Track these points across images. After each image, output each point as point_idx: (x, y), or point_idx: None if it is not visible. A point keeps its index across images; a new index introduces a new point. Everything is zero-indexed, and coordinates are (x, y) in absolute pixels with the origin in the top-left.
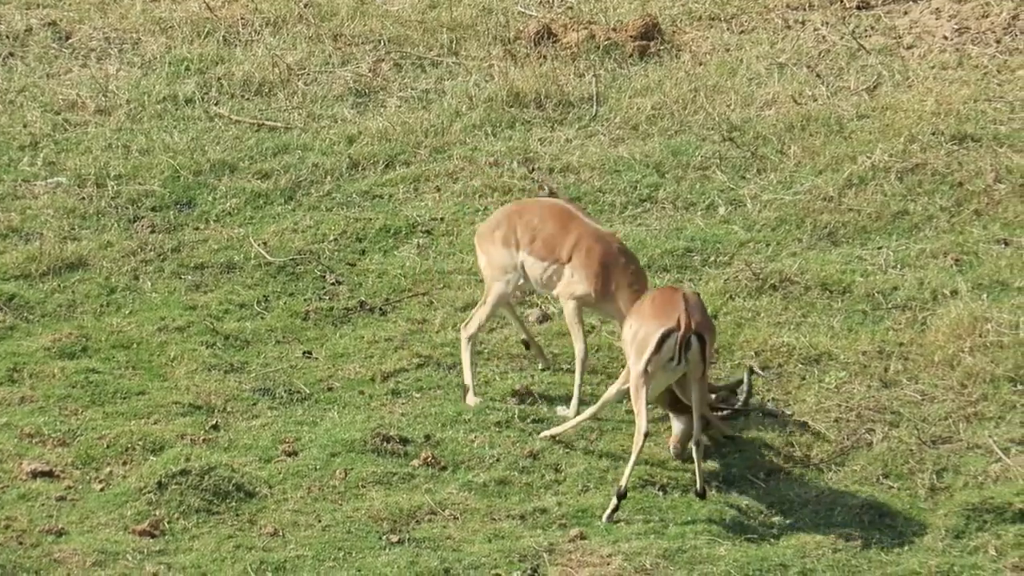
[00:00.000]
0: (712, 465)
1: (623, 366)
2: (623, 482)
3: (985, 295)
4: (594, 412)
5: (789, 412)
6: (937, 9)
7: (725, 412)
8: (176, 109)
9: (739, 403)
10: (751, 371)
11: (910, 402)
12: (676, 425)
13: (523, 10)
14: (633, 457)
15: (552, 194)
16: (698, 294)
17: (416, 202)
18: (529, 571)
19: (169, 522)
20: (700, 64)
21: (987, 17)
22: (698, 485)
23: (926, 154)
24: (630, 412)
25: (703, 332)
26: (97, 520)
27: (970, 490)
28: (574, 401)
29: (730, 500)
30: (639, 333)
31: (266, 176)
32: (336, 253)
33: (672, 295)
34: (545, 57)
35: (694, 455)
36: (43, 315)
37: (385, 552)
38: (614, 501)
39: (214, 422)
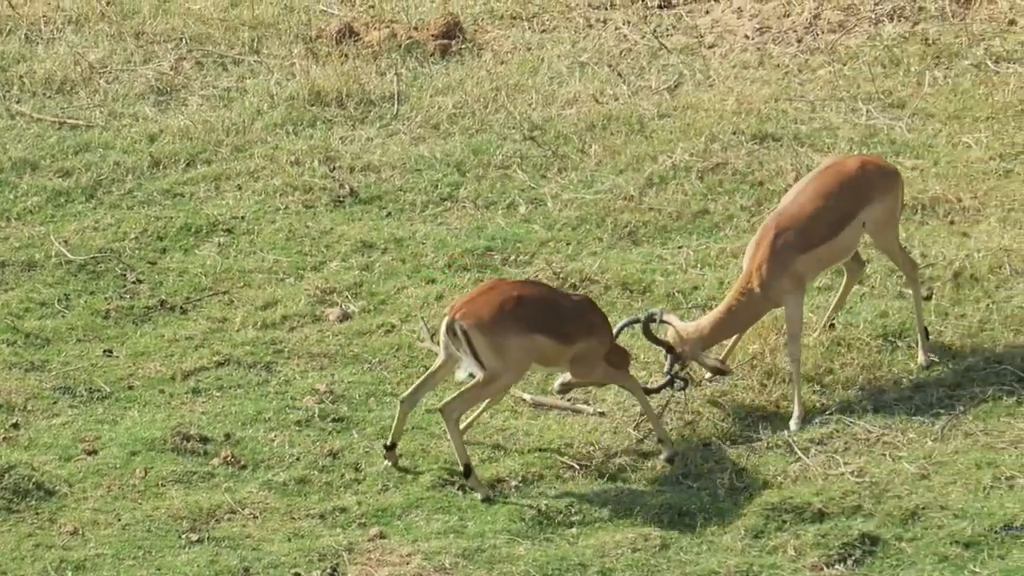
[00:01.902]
0: (512, 465)
1: None
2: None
3: None
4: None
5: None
6: (739, 8)
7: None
8: None
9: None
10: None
11: (710, 401)
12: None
13: (325, 8)
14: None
15: (352, 192)
16: (522, 296)
17: (217, 200)
18: (328, 570)
19: None
20: (502, 63)
21: (788, 16)
22: (460, 462)
23: (727, 153)
24: (430, 411)
25: (464, 323)
26: None
27: (770, 490)
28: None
29: (529, 500)
30: None
31: (67, 174)
32: (137, 251)
33: (484, 284)
34: (347, 56)
35: (448, 428)
36: None
37: (185, 551)
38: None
39: (14, 420)
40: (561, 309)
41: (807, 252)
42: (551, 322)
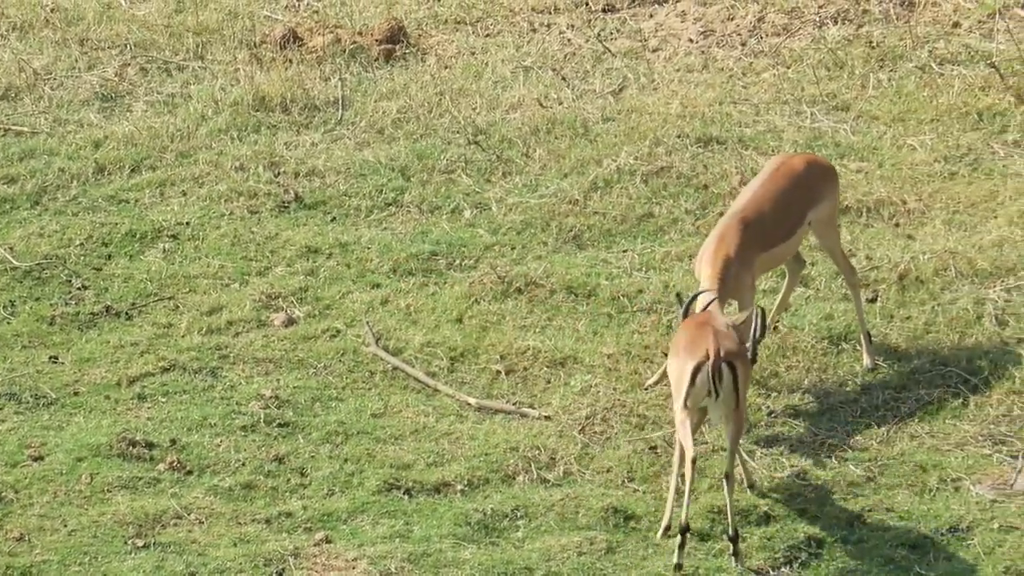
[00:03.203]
0: (458, 469)
1: None
2: (683, 519)
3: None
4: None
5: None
6: (683, 12)
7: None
8: None
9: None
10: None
11: (655, 405)
12: None
13: (269, 14)
14: (687, 489)
15: (297, 198)
16: (732, 324)
17: (162, 206)
18: (275, 575)
19: None
20: (446, 67)
21: (732, 20)
22: (730, 529)
23: (671, 157)
24: (376, 415)
25: (733, 361)
26: None
27: (715, 492)
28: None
29: (475, 504)
30: (674, 369)
31: (12, 181)
32: (82, 258)
33: (702, 329)
34: (291, 61)
35: (725, 492)
36: None
37: (131, 556)
38: (679, 537)
39: None
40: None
41: (767, 251)
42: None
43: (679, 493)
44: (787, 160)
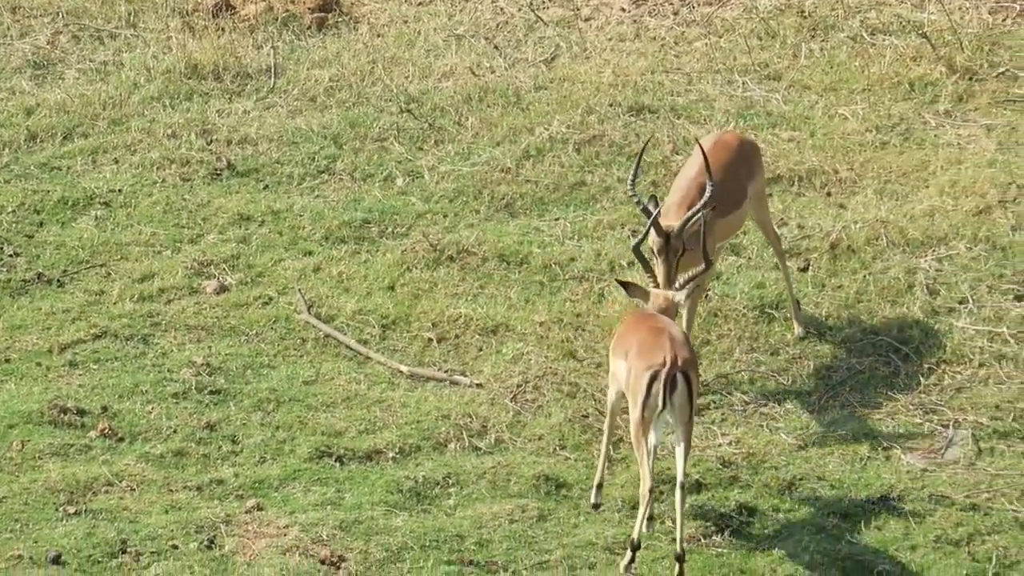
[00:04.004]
0: (389, 436)
1: None
2: (634, 535)
3: None
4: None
5: None
6: None
7: None
8: None
9: None
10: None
11: (587, 373)
12: None
13: None
14: (641, 510)
15: (229, 165)
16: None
17: (94, 174)
18: (206, 542)
19: None
20: (378, 36)
21: None
22: (678, 545)
23: (603, 125)
24: (308, 383)
25: (688, 371)
26: None
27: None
28: None
29: (407, 471)
30: (630, 377)
31: None
32: (14, 225)
33: (659, 335)
34: (223, 29)
35: (676, 502)
36: None
37: (62, 523)
38: (628, 553)
39: None
40: None
41: (724, 217)
42: None
43: (610, 459)
44: (721, 136)
